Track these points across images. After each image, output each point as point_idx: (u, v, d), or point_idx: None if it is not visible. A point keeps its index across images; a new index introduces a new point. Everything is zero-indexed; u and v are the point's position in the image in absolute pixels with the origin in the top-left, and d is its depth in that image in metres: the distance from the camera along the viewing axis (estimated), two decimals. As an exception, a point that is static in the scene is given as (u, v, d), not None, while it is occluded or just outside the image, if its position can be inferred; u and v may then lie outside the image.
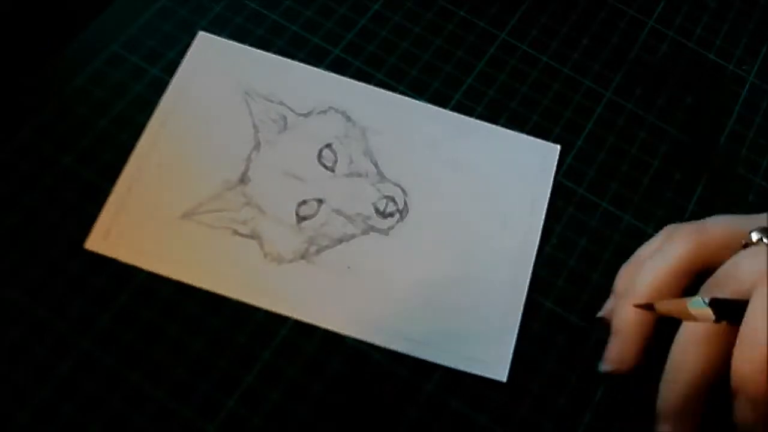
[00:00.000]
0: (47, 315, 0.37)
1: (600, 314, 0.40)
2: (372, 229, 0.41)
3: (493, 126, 0.45)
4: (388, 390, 0.38)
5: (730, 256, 0.35)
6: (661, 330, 0.38)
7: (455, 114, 0.44)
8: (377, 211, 0.42)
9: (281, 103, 0.44)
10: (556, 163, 0.45)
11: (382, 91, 0.45)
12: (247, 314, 0.39)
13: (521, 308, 0.40)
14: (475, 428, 0.38)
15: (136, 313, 0.38)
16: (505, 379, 0.38)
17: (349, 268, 0.40)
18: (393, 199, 0.42)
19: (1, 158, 0.41)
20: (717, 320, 0.33)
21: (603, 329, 0.40)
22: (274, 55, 0.45)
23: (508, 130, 0.45)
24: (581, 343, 0.40)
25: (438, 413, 0.38)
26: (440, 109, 0.45)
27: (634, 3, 0.51)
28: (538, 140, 0.45)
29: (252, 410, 0.37)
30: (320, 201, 0.41)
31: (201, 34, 0.45)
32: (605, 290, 0.41)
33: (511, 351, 0.39)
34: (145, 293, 0.38)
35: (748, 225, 0.37)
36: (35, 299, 0.38)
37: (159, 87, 0.43)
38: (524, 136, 0.45)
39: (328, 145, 0.43)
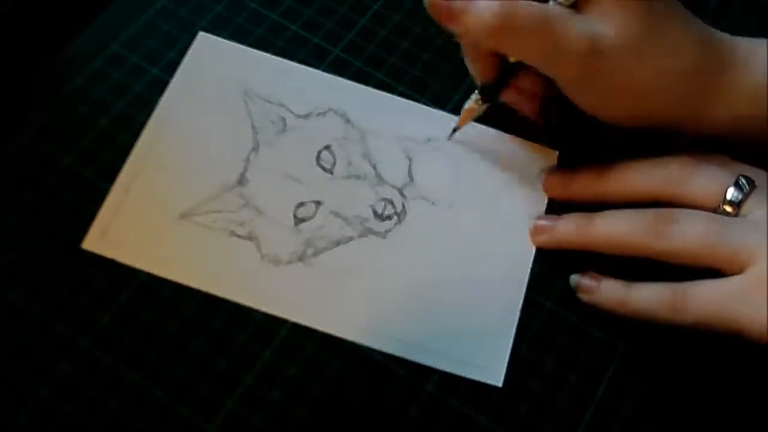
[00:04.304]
0: (47, 315, 0.37)
1: None
2: (370, 231, 0.41)
3: (492, 129, 0.45)
4: (388, 390, 0.38)
5: None
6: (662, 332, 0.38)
7: (455, 117, 0.44)
8: (375, 213, 0.42)
9: (280, 105, 0.44)
10: (555, 166, 0.44)
11: (382, 93, 0.45)
12: (246, 314, 0.39)
13: (518, 313, 0.40)
14: (475, 429, 0.38)
15: (136, 313, 0.38)
16: (500, 384, 0.38)
17: (346, 270, 0.40)
18: (391, 202, 0.42)
19: (1, 158, 0.41)
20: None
21: (603, 330, 0.40)
22: (273, 56, 0.45)
23: (508, 134, 0.45)
24: (581, 343, 0.40)
25: (438, 414, 0.38)
26: (440, 112, 0.45)
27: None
28: (537, 144, 0.45)
29: (252, 410, 0.37)
30: (318, 203, 0.41)
31: (201, 34, 0.45)
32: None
33: (507, 356, 0.39)
34: (145, 293, 0.38)
35: None
36: (35, 299, 0.38)
37: (159, 87, 0.43)
38: (523, 140, 0.45)
39: (327, 147, 0.43)
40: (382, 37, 0.47)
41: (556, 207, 0.43)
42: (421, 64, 0.46)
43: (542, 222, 0.42)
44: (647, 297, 0.38)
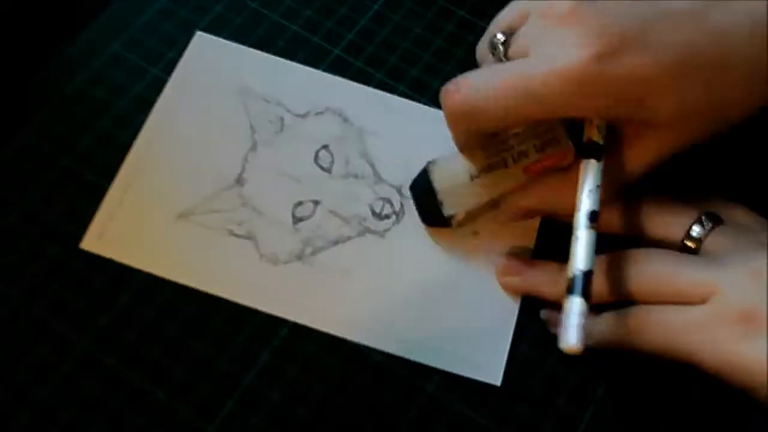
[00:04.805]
0: (47, 315, 0.38)
1: None
2: (368, 230, 0.41)
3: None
4: (388, 391, 0.38)
5: None
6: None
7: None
8: (373, 212, 0.42)
9: (278, 104, 0.44)
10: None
11: (380, 92, 0.45)
12: (246, 314, 0.39)
13: (516, 311, 0.40)
14: (475, 429, 0.38)
15: (136, 313, 0.38)
16: (499, 383, 0.38)
17: (344, 269, 0.40)
18: (389, 201, 0.42)
19: (1, 158, 0.41)
20: None
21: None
22: (271, 56, 0.45)
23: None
24: (581, 342, 0.40)
25: (438, 414, 0.38)
26: (440, 112, 0.45)
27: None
28: None
29: (252, 410, 0.37)
30: (316, 202, 0.41)
31: (198, 34, 0.45)
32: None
33: (506, 355, 0.39)
34: (145, 293, 0.39)
35: None
36: (35, 299, 0.38)
37: (159, 87, 0.43)
38: None
39: (325, 146, 0.43)
40: (382, 37, 0.47)
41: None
42: (421, 64, 0.46)
43: (513, 263, 0.41)
44: (607, 319, 0.37)
